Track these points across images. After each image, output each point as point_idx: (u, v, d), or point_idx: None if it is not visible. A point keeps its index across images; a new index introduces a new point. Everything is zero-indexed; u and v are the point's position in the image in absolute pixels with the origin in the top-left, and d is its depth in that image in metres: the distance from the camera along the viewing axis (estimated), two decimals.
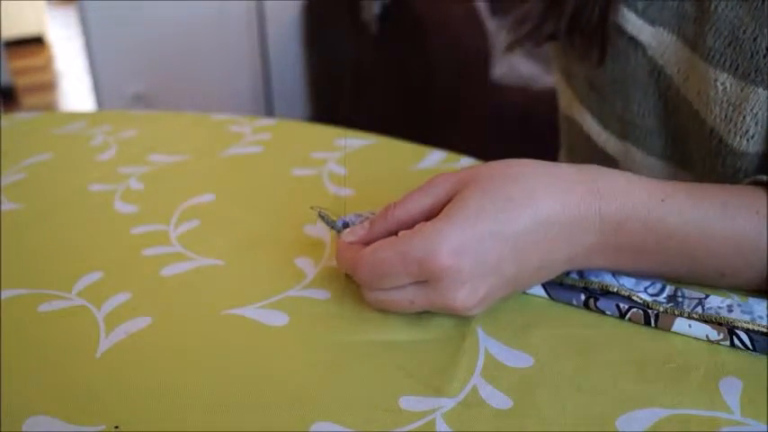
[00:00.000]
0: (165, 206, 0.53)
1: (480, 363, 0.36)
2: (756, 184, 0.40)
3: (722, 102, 0.43)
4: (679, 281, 0.40)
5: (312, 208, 0.41)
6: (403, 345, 0.37)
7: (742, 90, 0.42)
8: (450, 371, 0.35)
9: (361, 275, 0.37)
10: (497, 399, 0.34)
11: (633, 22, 0.49)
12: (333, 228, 0.41)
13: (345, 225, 0.41)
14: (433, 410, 0.33)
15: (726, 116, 0.43)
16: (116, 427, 0.32)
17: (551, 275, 0.39)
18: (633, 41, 0.49)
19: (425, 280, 0.36)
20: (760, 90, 0.42)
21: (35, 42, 4.04)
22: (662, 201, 0.38)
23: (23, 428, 0.32)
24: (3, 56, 3.25)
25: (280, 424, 0.32)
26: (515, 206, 0.36)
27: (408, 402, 0.33)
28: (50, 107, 3.22)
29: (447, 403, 0.33)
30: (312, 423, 0.32)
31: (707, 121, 0.44)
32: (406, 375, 0.35)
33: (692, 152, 0.50)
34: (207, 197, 0.54)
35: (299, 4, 2.49)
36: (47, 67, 3.80)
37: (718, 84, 0.43)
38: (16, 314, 0.41)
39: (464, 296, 0.36)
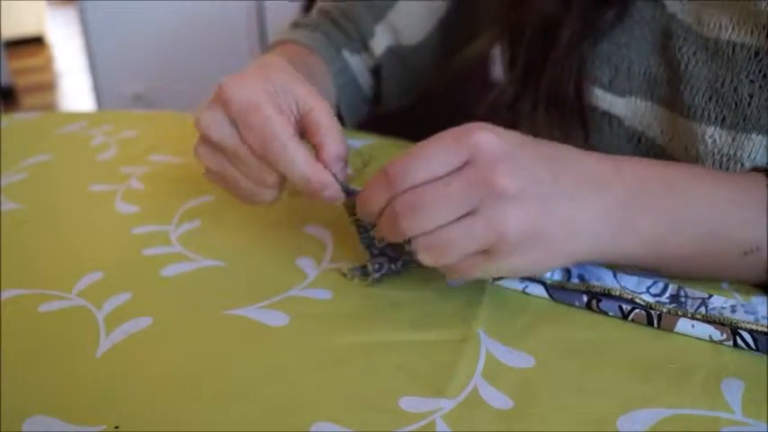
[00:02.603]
0: (165, 206, 0.53)
1: (481, 363, 0.36)
2: (756, 171, 0.40)
3: (713, 154, 0.44)
4: (695, 270, 0.39)
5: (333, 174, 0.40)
6: (403, 345, 0.37)
7: (734, 140, 0.43)
8: (451, 371, 0.35)
9: (397, 169, 0.34)
10: (498, 399, 0.33)
11: (602, 98, 0.49)
12: (346, 192, 0.41)
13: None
14: (434, 411, 0.33)
15: (720, 167, 0.44)
16: (116, 428, 0.32)
17: (576, 237, 0.36)
18: (606, 115, 0.49)
19: (465, 162, 0.34)
20: (753, 136, 0.42)
21: (35, 42, 4.03)
22: (689, 174, 0.38)
23: (23, 428, 0.32)
24: (3, 56, 3.24)
25: (280, 424, 0.32)
26: (551, 145, 0.37)
27: (408, 403, 0.33)
28: (50, 107, 3.22)
29: (447, 404, 0.33)
30: (312, 423, 0.32)
31: None
32: (406, 376, 0.35)
33: None
34: (207, 197, 0.54)
35: (298, 5, 2.49)
36: (47, 67, 3.80)
37: (707, 138, 0.44)
38: (16, 314, 0.41)
39: (505, 170, 0.33)
